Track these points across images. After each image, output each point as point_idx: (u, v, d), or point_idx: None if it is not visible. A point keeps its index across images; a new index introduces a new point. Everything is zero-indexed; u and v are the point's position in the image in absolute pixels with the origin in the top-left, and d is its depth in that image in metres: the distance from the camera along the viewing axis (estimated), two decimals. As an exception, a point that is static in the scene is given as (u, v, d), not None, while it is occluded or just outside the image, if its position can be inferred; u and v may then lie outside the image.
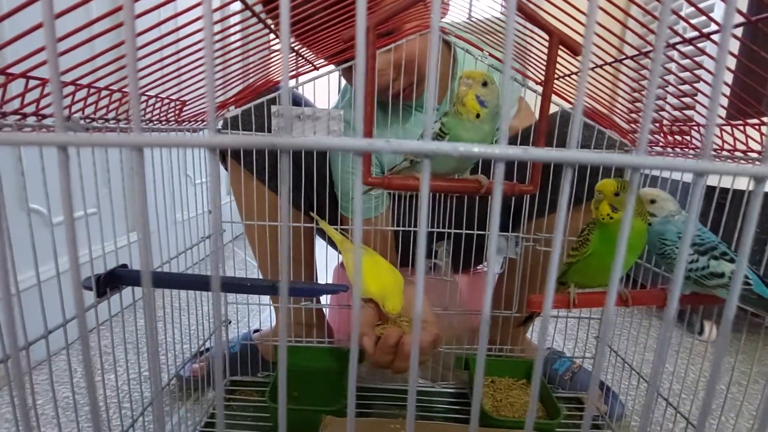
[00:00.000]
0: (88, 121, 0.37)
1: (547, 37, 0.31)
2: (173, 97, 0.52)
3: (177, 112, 0.57)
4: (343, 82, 0.76)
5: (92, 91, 0.38)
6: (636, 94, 0.57)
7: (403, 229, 0.69)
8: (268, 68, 0.56)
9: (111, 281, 0.40)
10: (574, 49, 0.29)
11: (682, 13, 1.26)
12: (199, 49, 0.40)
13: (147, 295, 0.18)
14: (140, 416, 0.49)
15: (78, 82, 0.36)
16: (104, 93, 0.40)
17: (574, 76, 0.57)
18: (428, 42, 0.62)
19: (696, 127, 0.51)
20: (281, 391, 0.18)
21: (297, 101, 0.67)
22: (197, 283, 0.44)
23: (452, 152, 0.12)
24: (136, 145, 0.16)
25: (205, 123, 0.61)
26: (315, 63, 0.63)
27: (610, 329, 0.73)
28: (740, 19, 0.35)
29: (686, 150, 0.53)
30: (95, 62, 0.35)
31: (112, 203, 0.41)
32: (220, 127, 0.64)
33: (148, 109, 0.50)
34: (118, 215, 0.42)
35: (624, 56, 0.48)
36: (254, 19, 0.44)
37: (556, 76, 0.58)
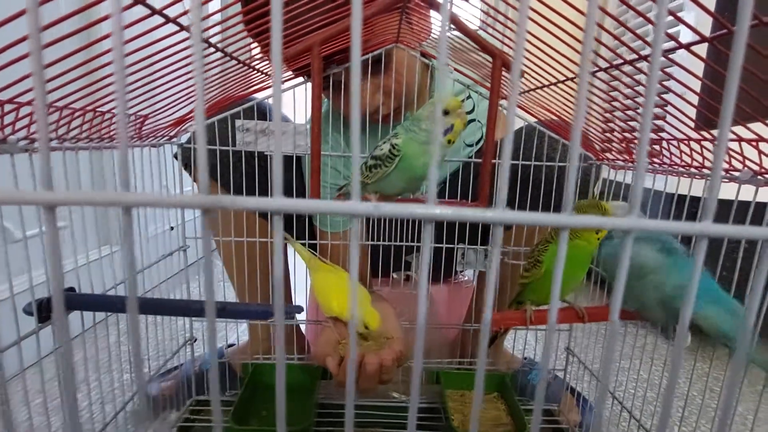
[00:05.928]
0: (28, 142, 0.36)
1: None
2: (130, 112, 0.51)
3: (138, 127, 0.56)
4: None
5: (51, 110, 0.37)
6: (607, 105, 0.57)
7: (373, 243, 0.69)
8: (228, 83, 0.56)
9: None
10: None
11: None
12: (160, 60, 0.39)
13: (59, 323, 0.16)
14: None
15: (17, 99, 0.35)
16: (55, 109, 0.39)
17: (540, 91, 0.58)
18: (414, 65, 0.63)
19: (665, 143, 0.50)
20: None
21: (264, 114, 0.66)
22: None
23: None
24: (125, 204, 0.14)
25: (166, 138, 0.60)
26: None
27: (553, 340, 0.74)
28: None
29: (655, 163, 0.53)
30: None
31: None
32: (184, 142, 0.62)
33: (104, 125, 0.49)
34: (69, 235, 0.40)
35: (597, 68, 0.48)
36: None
37: (522, 90, 0.58)
